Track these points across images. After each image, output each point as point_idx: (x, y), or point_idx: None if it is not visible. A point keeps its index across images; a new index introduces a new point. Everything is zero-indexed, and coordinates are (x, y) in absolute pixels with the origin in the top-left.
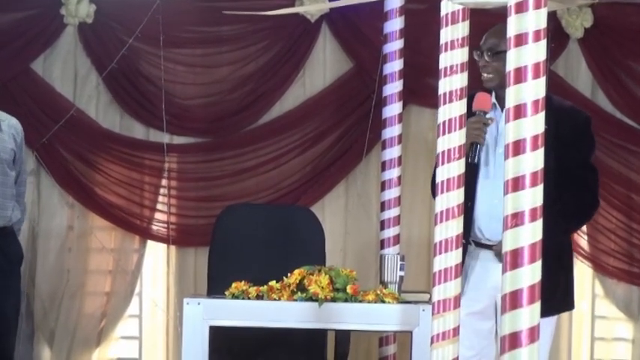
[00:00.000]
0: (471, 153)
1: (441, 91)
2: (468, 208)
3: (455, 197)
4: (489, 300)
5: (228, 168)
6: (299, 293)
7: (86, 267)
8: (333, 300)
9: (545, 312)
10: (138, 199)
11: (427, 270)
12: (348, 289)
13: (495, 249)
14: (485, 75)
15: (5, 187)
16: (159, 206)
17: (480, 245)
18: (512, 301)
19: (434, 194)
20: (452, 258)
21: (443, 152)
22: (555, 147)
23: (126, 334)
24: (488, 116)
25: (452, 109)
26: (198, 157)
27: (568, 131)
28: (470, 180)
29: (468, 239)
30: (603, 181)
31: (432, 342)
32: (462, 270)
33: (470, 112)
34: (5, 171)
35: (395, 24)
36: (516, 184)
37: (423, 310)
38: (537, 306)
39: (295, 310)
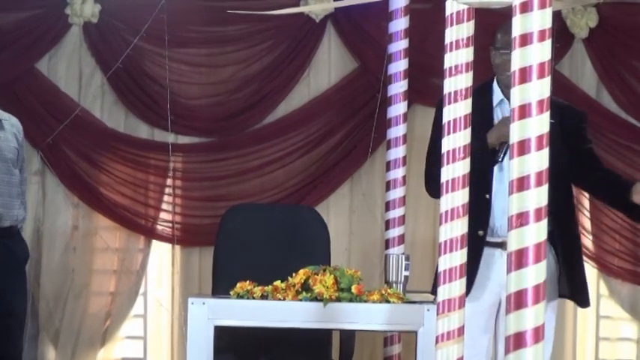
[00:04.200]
0: (501, 152)
1: (445, 91)
2: (487, 201)
3: (460, 197)
4: (494, 298)
5: (233, 168)
6: (304, 293)
7: (91, 267)
8: (338, 300)
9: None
10: (143, 199)
11: (432, 270)
12: (353, 289)
13: None
14: (508, 73)
15: (11, 187)
16: (164, 206)
17: (486, 242)
18: (517, 301)
19: (428, 187)
20: (457, 258)
21: (448, 152)
22: (562, 139)
23: (131, 333)
24: None
25: (457, 109)
26: (203, 156)
27: (570, 124)
28: (486, 173)
29: (486, 230)
30: None
31: (436, 342)
32: (472, 263)
33: (475, 108)
34: (10, 170)
35: (400, 24)
36: (521, 184)
37: (428, 310)
38: (542, 306)
39: (300, 310)
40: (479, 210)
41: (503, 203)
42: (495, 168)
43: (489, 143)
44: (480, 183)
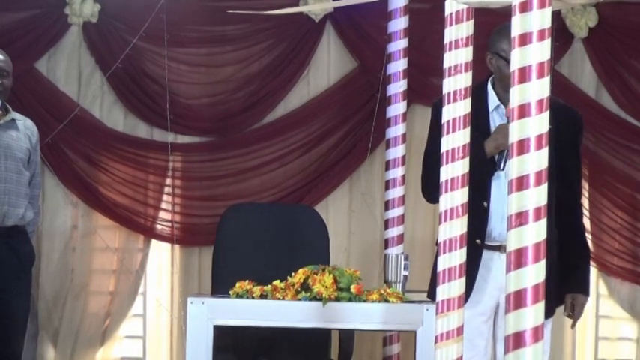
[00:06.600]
0: (502, 160)
1: (445, 91)
2: (484, 209)
3: (459, 196)
4: (492, 301)
5: (232, 167)
6: (303, 292)
7: (90, 266)
8: (337, 299)
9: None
10: (142, 199)
11: (431, 269)
12: (352, 289)
13: None
14: None
15: (20, 186)
16: (163, 205)
17: (484, 246)
18: (517, 300)
19: (424, 194)
20: (456, 257)
21: (447, 151)
22: (556, 146)
23: (130, 333)
24: None
25: (456, 109)
26: (202, 156)
27: (564, 128)
28: (485, 181)
29: (484, 238)
30: (607, 181)
31: (436, 341)
32: (471, 269)
33: (474, 108)
34: (20, 170)
35: (399, 23)
36: (520, 183)
37: (427, 310)
38: (541, 305)
39: (299, 309)
40: (477, 218)
41: (502, 210)
42: (494, 177)
43: (487, 153)
44: (477, 191)
